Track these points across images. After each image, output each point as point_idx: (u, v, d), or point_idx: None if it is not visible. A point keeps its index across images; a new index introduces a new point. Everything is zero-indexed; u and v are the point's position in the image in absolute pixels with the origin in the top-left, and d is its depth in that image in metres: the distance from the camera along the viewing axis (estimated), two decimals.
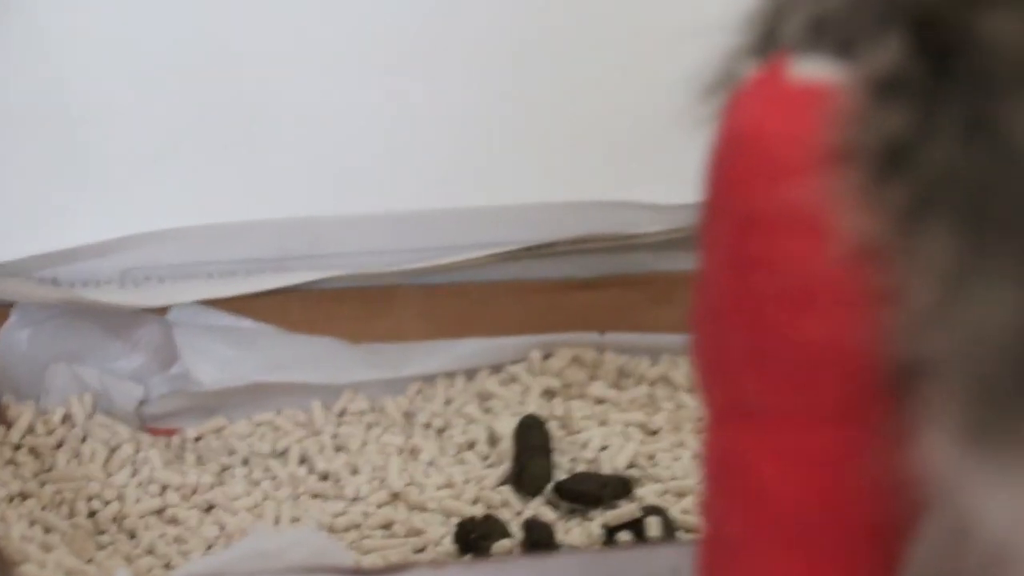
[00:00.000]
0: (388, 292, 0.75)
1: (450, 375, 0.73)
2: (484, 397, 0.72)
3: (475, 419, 0.70)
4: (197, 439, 0.68)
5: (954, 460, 0.36)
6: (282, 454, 0.67)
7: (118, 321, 0.71)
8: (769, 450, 0.41)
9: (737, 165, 0.38)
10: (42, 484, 0.64)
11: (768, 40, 0.38)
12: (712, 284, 0.38)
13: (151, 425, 0.68)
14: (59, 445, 0.66)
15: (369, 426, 0.69)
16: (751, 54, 0.37)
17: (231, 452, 0.67)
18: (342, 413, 0.70)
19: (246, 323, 0.72)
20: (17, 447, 0.65)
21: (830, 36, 0.37)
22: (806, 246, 0.36)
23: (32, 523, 0.60)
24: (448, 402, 0.71)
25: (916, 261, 0.35)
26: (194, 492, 0.64)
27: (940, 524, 0.40)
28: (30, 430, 0.66)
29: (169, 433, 0.68)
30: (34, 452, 0.65)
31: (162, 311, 0.71)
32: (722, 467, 0.41)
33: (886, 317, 0.35)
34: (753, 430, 0.41)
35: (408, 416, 0.70)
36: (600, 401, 0.71)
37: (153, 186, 0.73)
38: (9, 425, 0.66)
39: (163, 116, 0.74)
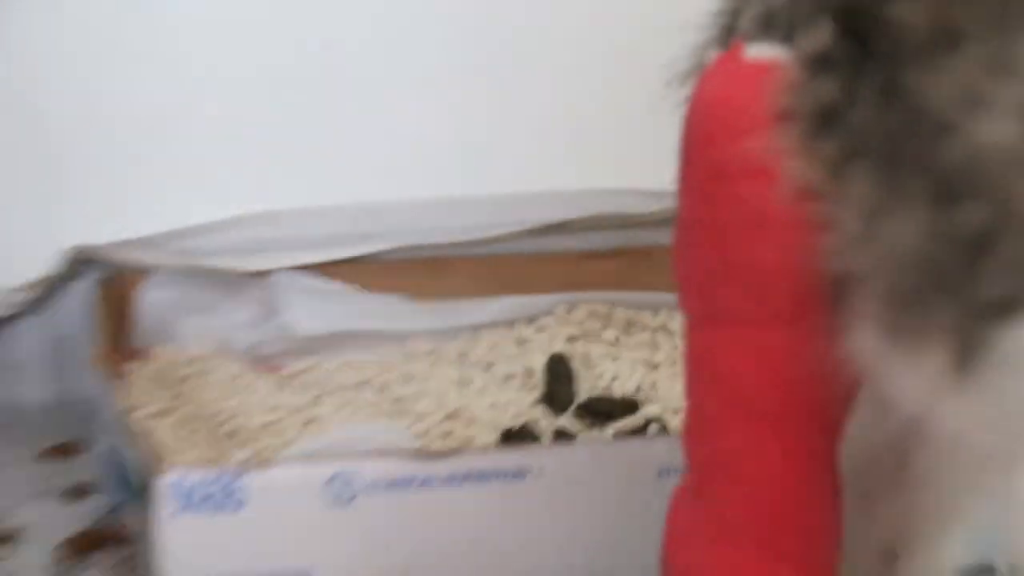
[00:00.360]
0: (443, 261, 0.91)
1: (494, 325, 0.89)
2: (521, 341, 0.87)
3: (514, 357, 0.86)
4: (296, 374, 0.84)
5: (877, 351, 0.46)
6: (363, 384, 0.83)
7: (232, 283, 0.87)
8: (735, 346, 0.50)
9: (704, 126, 0.47)
10: (177, 406, 0.79)
11: (728, 33, 0.48)
12: (687, 220, 0.49)
13: (260, 364, 0.84)
14: (189, 377, 0.82)
15: (431, 363, 0.85)
16: (715, 45, 0.48)
17: (322, 384, 0.83)
18: (410, 354, 0.86)
19: (332, 284, 0.88)
20: (157, 378, 0.81)
21: (775, 26, 0.46)
22: (759, 187, 0.44)
23: (173, 431, 0.76)
24: (493, 346, 0.86)
25: (844, 198, 0.44)
26: (296, 412, 0.80)
27: (868, 402, 0.51)
28: (168, 365, 0.82)
29: (274, 370, 0.84)
30: (170, 381, 0.81)
31: (266, 274, 0.88)
32: (699, 362, 0.52)
33: (822, 241, 0.44)
34: (722, 331, 0.50)
35: (461, 356, 0.86)
36: (612, 344, 0.86)
37: (259, 177, 0.90)
38: (149, 361, 0.83)
39: (263, 123, 0.91)
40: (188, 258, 0.88)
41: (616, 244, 0.92)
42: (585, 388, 0.82)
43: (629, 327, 0.88)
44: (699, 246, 0.52)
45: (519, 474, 0.64)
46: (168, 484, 0.64)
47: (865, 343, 0.49)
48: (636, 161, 0.86)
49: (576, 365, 0.84)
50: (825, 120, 0.46)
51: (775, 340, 0.52)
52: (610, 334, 0.87)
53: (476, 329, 0.89)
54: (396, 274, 0.91)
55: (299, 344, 0.87)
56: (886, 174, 0.46)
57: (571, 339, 0.87)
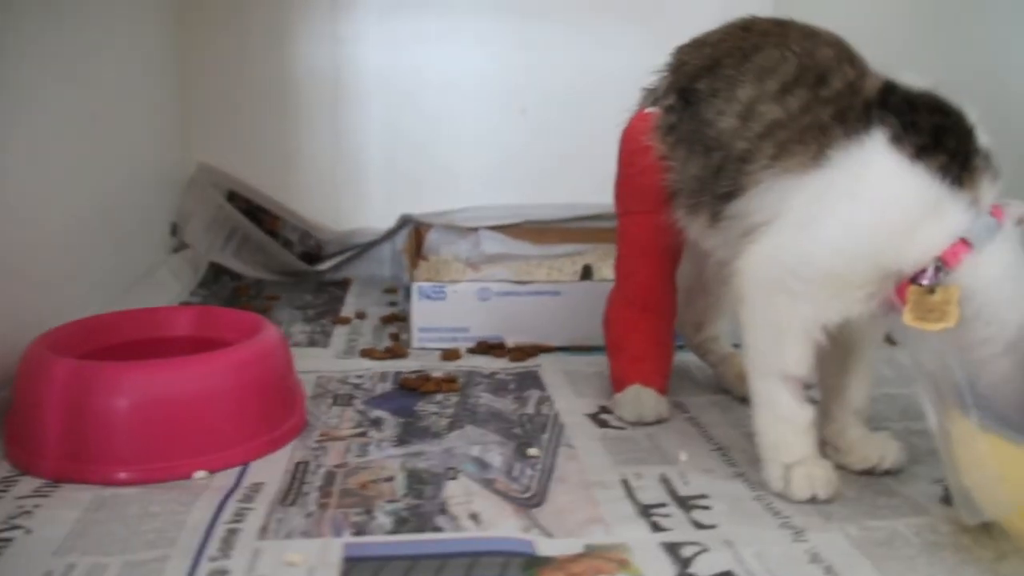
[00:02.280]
0: (545, 228, 1.95)
1: (565, 255, 1.91)
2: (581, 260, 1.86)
3: (578, 262, 1.82)
4: (484, 269, 1.95)
5: (684, 219, 1.09)
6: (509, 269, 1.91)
7: (463, 232, 1.94)
8: (633, 223, 1.19)
9: (630, 137, 1.14)
10: (432, 276, 1.93)
11: (655, 97, 1.13)
12: (619, 173, 1.18)
13: (470, 265, 1.95)
14: (441, 270, 1.96)
15: (538, 265, 1.89)
16: (650, 100, 1.14)
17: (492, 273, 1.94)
18: (533, 265, 1.90)
19: (500, 235, 1.94)
20: (428, 268, 1.96)
21: (657, 98, 1.12)
22: (646, 157, 1.10)
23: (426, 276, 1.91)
24: (564, 264, 1.90)
25: (674, 158, 1.08)
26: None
27: (691, 252, 1.20)
28: (434, 263, 1.96)
29: (475, 268, 1.95)
30: (433, 268, 1.95)
31: (475, 229, 1.94)
32: (621, 232, 1.20)
33: (667, 176, 1.09)
34: (628, 217, 1.19)
35: (551, 262, 1.89)
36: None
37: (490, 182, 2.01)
38: (427, 262, 1.98)
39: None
40: (446, 221, 1.97)
41: None
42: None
43: None
44: (622, 183, 1.18)
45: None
46: (416, 286, 1.50)
47: (680, 216, 1.09)
48: None
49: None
50: (669, 130, 1.08)
51: (649, 219, 1.14)
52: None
53: (559, 257, 1.90)
54: (526, 234, 1.94)
55: (486, 258, 1.93)
56: (688, 147, 1.05)
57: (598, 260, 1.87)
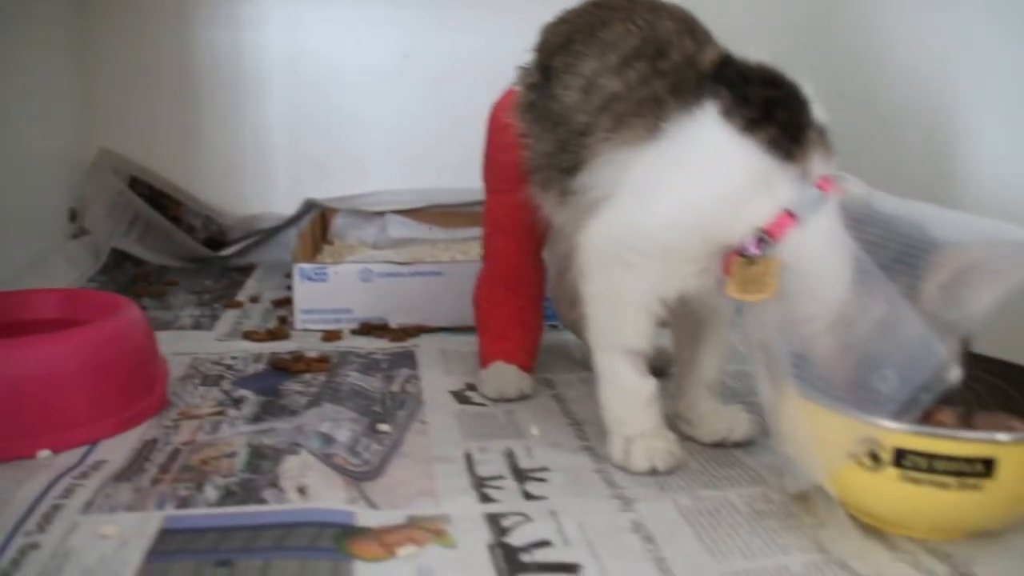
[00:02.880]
0: (453, 213, 1.95)
1: (474, 239, 1.91)
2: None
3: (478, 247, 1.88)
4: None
5: (538, 196, 1.08)
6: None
7: (369, 217, 1.94)
8: (496, 202, 1.21)
9: (495, 116, 1.18)
10: (328, 258, 1.92)
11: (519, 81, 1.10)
12: (485, 150, 1.26)
13: (375, 249, 1.95)
14: (343, 252, 1.95)
15: (446, 248, 1.90)
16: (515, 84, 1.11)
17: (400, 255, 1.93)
18: (438, 247, 1.90)
19: (406, 219, 1.94)
20: (332, 252, 1.95)
21: (522, 79, 1.09)
22: (508, 134, 1.08)
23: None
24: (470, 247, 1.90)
25: (531, 136, 1.06)
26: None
27: (561, 230, 1.14)
28: (339, 247, 1.95)
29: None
30: (335, 252, 1.94)
31: (383, 214, 1.94)
32: (486, 210, 1.23)
33: (525, 153, 1.07)
34: (492, 196, 1.22)
35: (458, 246, 1.90)
36: None
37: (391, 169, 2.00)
38: (332, 246, 1.97)
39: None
40: (352, 205, 1.97)
41: None
42: None
43: None
44: (486, 161, 1.20)
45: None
46: (297, 267, 1.49)
47: (536, 193, 1.08)
48: None
49: None
50: (529, 108, 1.05)
51: (511, 198, 1.12)
52: None
53: (466, 240, 1.89)
54: (434, 218, 1.93)
55: (393, 243, 1.93)
56: (542, 126, 1.03)
57: None
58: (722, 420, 1.05)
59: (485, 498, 0.92)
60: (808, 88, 0.92)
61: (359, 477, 0.96)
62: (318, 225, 1.90)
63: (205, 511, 0.89)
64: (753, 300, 0.87)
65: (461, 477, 0.97)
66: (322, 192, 1.95)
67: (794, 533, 0.85)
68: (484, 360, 1.23)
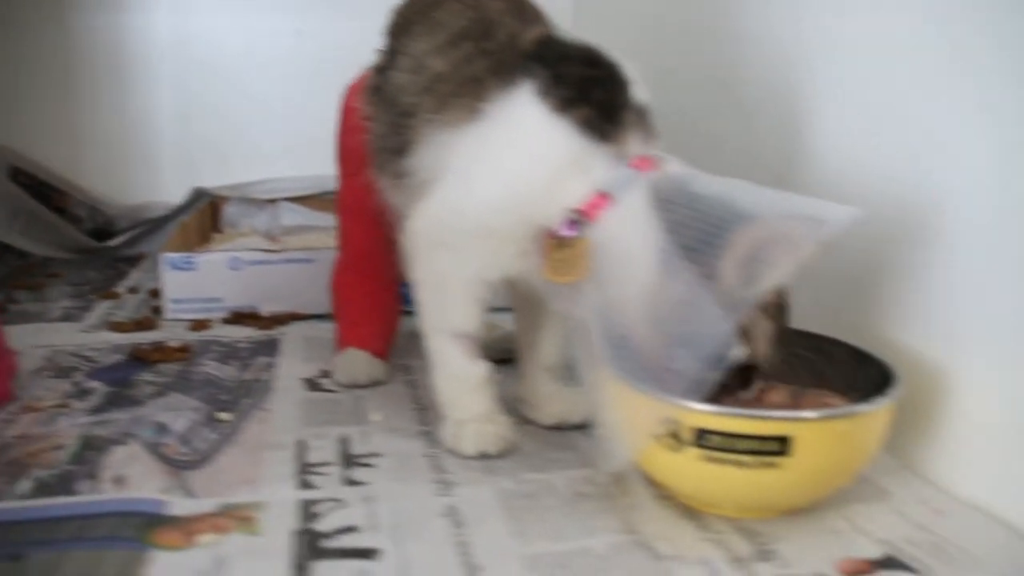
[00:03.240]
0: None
1: None
2: None
3: None
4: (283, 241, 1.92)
5: (380, 182, 1.05)
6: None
7: (262, 204, 1.92)
8: (347, 188, 1.19)
9: (348, 98, 1.15)
10: (211, 244, 1.90)
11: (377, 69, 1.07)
12: (337, 136, 1.24)
13: (269, 238, 1.92)
14: (237, 239, 1.92)
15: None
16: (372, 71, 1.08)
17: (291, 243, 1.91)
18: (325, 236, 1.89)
19: (298, 206, 1.92)
20: (223, 239, 1.92)
21: (376, 65, 1.07)
22: (355, 118, 1.08)
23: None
24: None
25: (372, 119, 1.03)
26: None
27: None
28: (229, 234, 1.92)
29: (274, 240, 1.91)
30: (225, 238, 1.92)
31: (275, 201, 1.92)
32: (339, 198, 1.22)
33: (368, 136, 1.05)
34: (343, 180, 1.20)
35: None
36: None
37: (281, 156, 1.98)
38: (224, 235, 1.94)
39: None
40: (244, 193, 1.95)
41: None
42: None
43: None
44: (338, 143, 1.17)
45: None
46: (164, 257, 1.46)
47: (377, 178, 1.05)
48: None
49: None
50: (375, 93, 1.04)
51: (356, 182, 1.09)
52: None
53: None
54: (328, 205, 1.90)
55: (286, 230, 1.91)
56: (385, 108, 1.01)
57: None
58: (561, 403, 1.04)
59: (305, 485, 0.91)
60: (630, 68, 0.91)
61: (183, 466, 0.95)
62: (208, 214, 1.87)
63: (10, 504, 0.87)
64: (565, 282, 0.87)
65: (288, 464, 0.95)
66: (213, 180, 1.91)
67: (607, 515, 0.85)
68: (338, 346, 1.21)
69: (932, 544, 0.80)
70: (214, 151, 2.00)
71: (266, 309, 1.46)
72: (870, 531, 0.83)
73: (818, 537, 0.82)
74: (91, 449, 0.98)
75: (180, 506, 0.86)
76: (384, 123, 1.02)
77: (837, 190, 1.06)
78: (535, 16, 0.98)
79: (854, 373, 0.90)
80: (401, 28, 1.05)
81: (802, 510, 0.86)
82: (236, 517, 0.84)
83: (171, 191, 1.94)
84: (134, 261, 1.89)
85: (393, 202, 1.06)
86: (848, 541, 0.81)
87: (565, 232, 0.87)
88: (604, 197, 0.86)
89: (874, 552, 0.79)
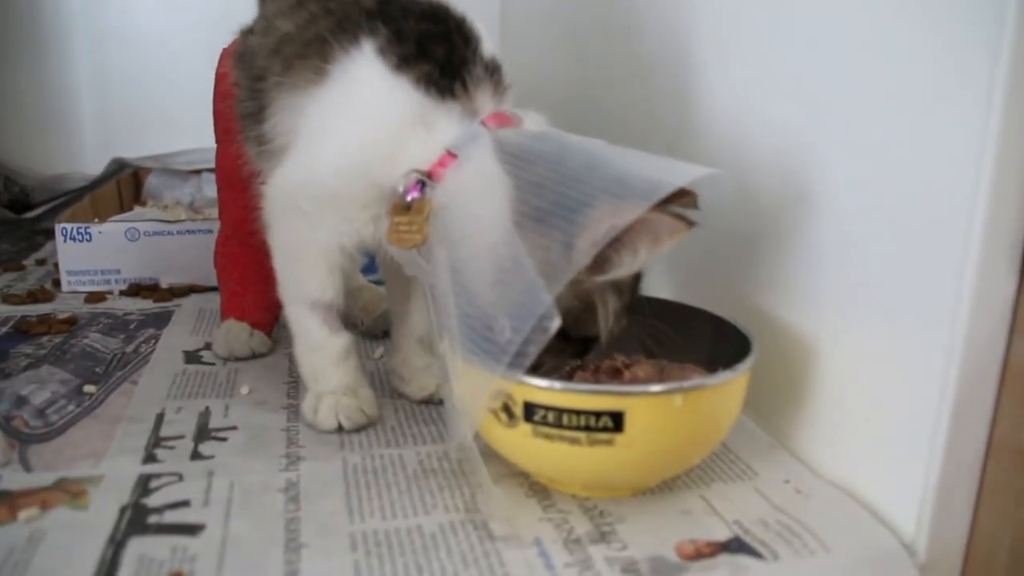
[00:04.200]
0: None
1: None
2: None
3: None
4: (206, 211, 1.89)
5: (246, 148, 1.01)
6: None
7: (186, 175, 1.89)
8: (223, 155, 1.16)
9: (220, 63, 1.15)
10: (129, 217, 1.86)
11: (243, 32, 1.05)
12: (213, 104, 1.24)
13: (193, 208, 1.89)
14: (159, 208, 1.89)
15: None
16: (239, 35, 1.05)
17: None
18: None
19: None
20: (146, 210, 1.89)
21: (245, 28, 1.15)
22: (226, 84, 1.05)
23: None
24: None
25: (238, 84, 1.01)
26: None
27: None
28: (153, 207, 1.89)
29: (199, 211, 1.88)
30: (148, 211, 1.89)
31: (199, 172, 1.89)
32: (217, 164, 1.20)
33: (236, 102, 1.02)
34: (219, 147, 1.18)
35: None
36: None
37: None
38: (147, 206, 1.91)
39: None
40: (169, 164, 1.92)
41: None
42: None
43: None
44: (213, 111, 1.17)
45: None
46: (59, 227, 1.41)
47: (244, 145, 1.01)
48: None
49: None
50: (239, 58, 1.01)
51: (227, 149, 1.12)
52: None
53: None
54: None
55: (210, 202, 1.89)
56: (245, 73, 0.99)
57: None
58: (432, 376, 1.02)
59: (150, 458, 0.89)
60: (478, 24, 0.88)
61: (29, 440, 0.92)
62: (129, 184, 1.84)
63: None
64: (405, 247, 0.84)
65: (139, 437, 0.93)
66: (133, 151, 1.88)
67: (449, 493, 0.82)
68: (222, 318, 1.19)
69: (784, 526, 0.77)
70: (133, 121, 1.97)
71: (166, 281, 1.43)
72: (724, 512, 0.80)
73: (666, 518, 0.79)
74: None
75: (14, 480, 0.84)
76: (244, 88, 0.99)
77: (722, 157, 1.03)
78: None
79: (717, 345, 0.88)
80: None
81: (658, 488, 0.83)
82: (68, 491, 0.82)
83: (90, 162, 1.91)
84: (51, 234, 1.85)
85: (259, 169, 1.03)
86: (697, 522, 0.78)
87: (411, 195, 0.84)
88: (451, 156, 0.83)
89: (722, 534, 0.76)
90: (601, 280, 0.78)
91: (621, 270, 0.77)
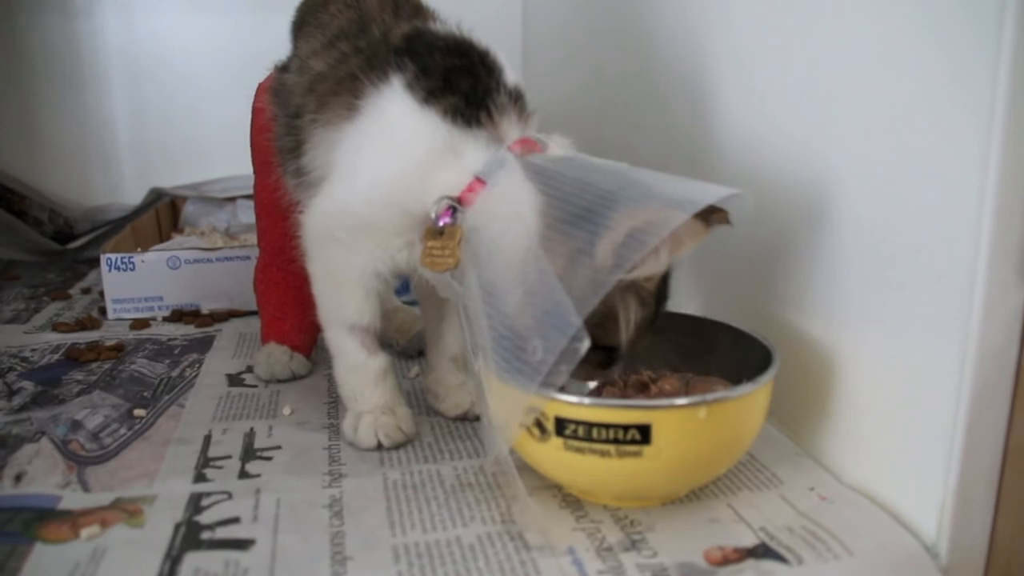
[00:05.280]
0: None
1: None
2: None
3: None
4: (241, 238, 1.94)
5: (285, 180, 1.06)
6: None
7: (221, 203, 1.95)
8: (261, 185, 1.22)
9: (257, 98, 1.19)
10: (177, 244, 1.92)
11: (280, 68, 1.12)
12: (252, 137, 1.27)
13: (230, 235, 1.94)
14: (196, 236, 1.94)
15: None
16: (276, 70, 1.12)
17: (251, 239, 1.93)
18: None
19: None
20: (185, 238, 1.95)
21: (283, 65, 1.20)
22: (264, 118, 1.11)
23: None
24: None
25: (275, 118, 1.07)
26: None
27: None
28: (190, 234, 1.95)
29: (234, 238, 1.94)
30: (186, 237, 1.94)
31: (233, 199, 1.95)
32: (255, 196, 1.26)
33: (273, 136, 1.08)
34: (257, 177, 1.23)
35: None
36: None
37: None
38: (185, 233, 1.96)
39: None
40: (204, 192, 1.98)
41: None
42: None
43: None
44: (251, 144, 1.21)
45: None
46: (104, 257, 1.48)
47: (282, 177, 1.06)
48: None
49: None
50: (275, 94, 1.06)
51: (268, 180, 1.15)
52: None
53: None
54: None
55: (245, 228, 1.94)
56: (282, 109, 1.04)
57: None
58: (466, 394, 1.06)
59: (201, 478, 0.93)
60: (500, 55, 0.92)
61: (86, 462, 0.97)
62: (167, 212, 1.89)
63: None
64: (439, 271, 0.88)
65: (189, 458, 0.97)
66: (169, 180, 1.94)
67: (487, 506, 0.86)
68: (262, 341, 1.23)
69: (810, 532, 0.80)
70: (169, 151, 2.03)
71: (207, 307, 1.48)
72: (750, 519, 0.83)
73: (695, 525, 0.82)
74: (3, 448, 1.00)
75: (74, 500, 0.88)
76: (281, 124, 1.04)
77: (740, 173, 1.06)
78: (413, 11, 1.00)
79: (741, 358, 0.91)
80: (297, 28, 1.08)
81: (686, 497, 0.86)
82: (125, 510, 0.86)
83: (128, 192, 1.97)
84: (94, 263, 1.91)
85: (298, 199, 1.08)
86: (725, 529, 0.81)
87: (444, 221, 0.88)
88: (480, 182, 0.87)
89: (749, 541, 0.79)
90: (623, 279, 0.80)
91: (643, 270, 0.80)
